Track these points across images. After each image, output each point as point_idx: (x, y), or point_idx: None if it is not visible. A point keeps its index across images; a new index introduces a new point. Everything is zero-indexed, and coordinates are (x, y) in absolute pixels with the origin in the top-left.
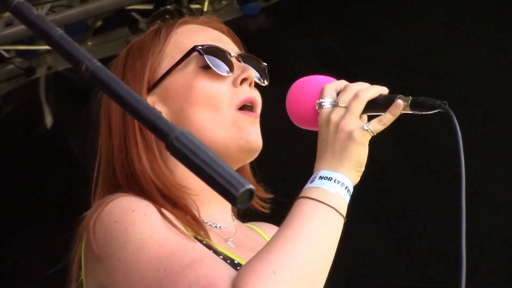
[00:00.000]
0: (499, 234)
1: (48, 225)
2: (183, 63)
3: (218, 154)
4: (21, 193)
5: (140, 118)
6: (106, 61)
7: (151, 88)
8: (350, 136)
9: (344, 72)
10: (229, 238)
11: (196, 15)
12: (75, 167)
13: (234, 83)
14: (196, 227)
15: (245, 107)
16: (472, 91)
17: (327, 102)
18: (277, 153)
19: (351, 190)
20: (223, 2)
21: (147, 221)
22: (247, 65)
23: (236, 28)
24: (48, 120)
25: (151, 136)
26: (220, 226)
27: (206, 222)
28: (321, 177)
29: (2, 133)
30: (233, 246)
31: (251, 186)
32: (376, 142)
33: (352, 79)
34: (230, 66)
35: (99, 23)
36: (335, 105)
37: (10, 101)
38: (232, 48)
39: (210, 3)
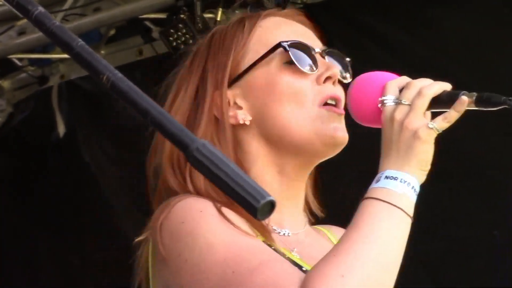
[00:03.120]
0: None
1: (61, 233)
2: (267, 58)
3: (303, 148)
4: (33, 201)
5: (161, 129)
6: (119, 69)
7: (233, 81)
8: (415, 134)
9: None
10: (294, 248)
11: (209, 25)
12: (87, 176)
13: (317, 80)
14: (262, 231)
15: (329, 104)
16: None
17: (390, 99)
18: None
19: (418, 189)
20: (237, 11)
21: (214, 222)
22: (331, 63)
23: None
24: (61, 128)
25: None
26: (288, 233)
27: (275, 229)
28: (387, 177)
29: (14, 141)
30: (298, 257)
31: (272, 198)
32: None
33: None
34: (314, 63)
35: (112, 32)
36: (398, 102)
37: (23, 110)
38: (316, 43)
39: (223, 12)
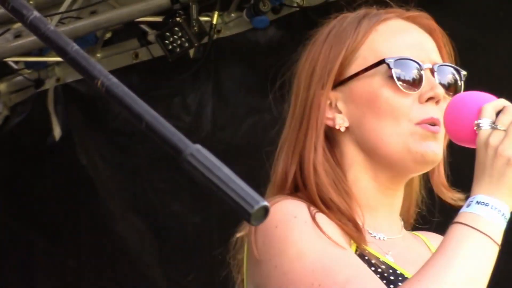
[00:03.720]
0: None
1: (57, 236)
2: (371, 70)
3: (395, 164)
4: (30, 204)
5: (155, 134)
6: (115, 72)
7: (337, 84)
8: (509, 162)
9: None
10: (389, 251)
11: (205, 28)
12: (83, 179)
13: (419, 99)
14: (356, 236)
15: (425, 122)
16: None
17: (485, 123)
18: None
19: (508, 216)
20: (233, 14)
21: (307, 231)
22: (437, 80)
23: (246, 40)
24: (57, 131)
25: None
26: (383, 238)
27: (370, 233)
28: (477, 202)
29: (11, 145)
30: (393, 260)
31: (265, 203)
32: None
33: None
34: (419, 81)
35: (108, 35)
36: (493, 127)
37: (19, 113)
38: (430, 55)
39: (219, 15)
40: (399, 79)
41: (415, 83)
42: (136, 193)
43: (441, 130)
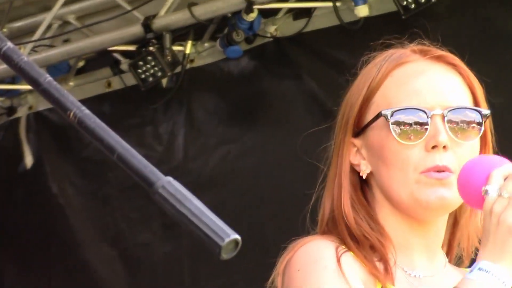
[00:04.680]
0: None
1: (28, 265)
2: (378, 120)
3: (406, 210)
4: (1, 232)
5: (127, 166)
6: (87, 101)
7: (359, 131)
8: (510, 230)
9: (328, 115)
10: None
11: (178, 57)
12: (54, 207)
13: (425, 148)
14: (381, 277)
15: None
16: None
17: (492, 190)
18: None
19: (509, 285)
20: (206, 44)
21: (326, 275)
22: (440, 129)
23: (219, 70)
24: (28, 159)
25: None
26: (420, 275)
27: (405, 271)
28: (479, 268)
29: None
30: None
31: (236, 236)
32: None
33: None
34: (424, 129)
35: (81, 64)
36: (499, 194)
37: None
38: (443, 99)
39: (193, 45)
40: (398, 130)
41: (419, 131)
42: (106, 221)
43: (455, 178)
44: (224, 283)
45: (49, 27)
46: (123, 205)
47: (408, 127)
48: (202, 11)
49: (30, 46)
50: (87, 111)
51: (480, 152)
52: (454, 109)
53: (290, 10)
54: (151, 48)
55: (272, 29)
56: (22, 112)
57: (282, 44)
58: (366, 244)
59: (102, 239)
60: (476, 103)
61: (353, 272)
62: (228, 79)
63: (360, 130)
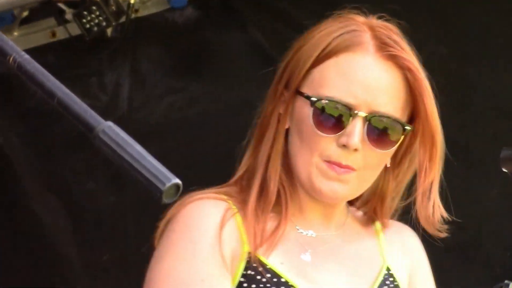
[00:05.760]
0: None
1: None
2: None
3: (304, 186)
4: None
5: (67, 111)
6: (32, 51)
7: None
8: None
9: (272, 65)
10: (309, 249)
11: (123, 7)
12: (1, 157)
13: (337, 143)
14: (255, 245)
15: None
16: None
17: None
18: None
19: None
20: None
21: (195, 250)
22: (356, 132)
23: (163, 20)
24: None
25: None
26: (313, 234)
27: (298, 229)
28: None
29: None
30: (309, 259)
31: (177, 181)
32: None
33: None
34: (342, 126)
35: (25, 14)
36: None
37: None
38: (373, 101)
39: None
40: (318, 119)
41: (337, 126)
42: (51, 172)
43: (355, 176)
44: None
45: None
46: (67, 156)
47: (328, 119)
48: None
49: None
50: (26, 56)
51: (392, 160)
52: (379, 115)
53: None
54: None
55: None
56: None
57: None
58: (272, 200)
59: (47, 190)
60: (411, 113)
61: (226, 243)
62: (173, 29)
63: (293, 90)
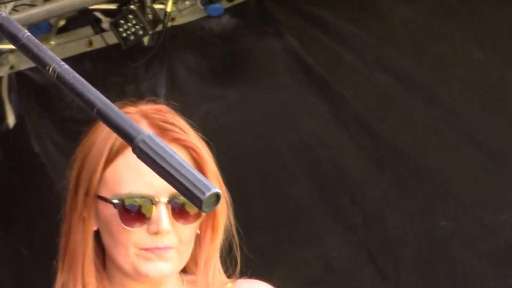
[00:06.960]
0: None
1: (10, 224)
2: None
3: (130, 276)
4: None
5: (107, 121)
6: (69, 60)
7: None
8: None
9: (308, 72)
10: None
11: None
12: (37, 166)
13: (148, 231)
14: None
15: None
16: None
17: None
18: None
19: None
20: (187, 2)
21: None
22: (163, 217)
23: (200, 28)
24: (11, 119)
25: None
26: None
27: None
28: None
29: None
30: None
31: (218, 190)
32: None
33: (316, 81)
34: (148, 216)
35: (62, 23)
36: None
37: None
38: (167, 187)
39: (174, 3)
40: (123, 216)
41: (143, 217)
42: None
43: (175, 252)
44: None
45: None
46: None
47: (133, 214)
48: None
49: (11, 5)
50: (66, 66)
51: (202, 227)
52: (177, 196)
53: None
54: (132, 6)
55: None
56: (3, 72)
57: (264, 1)
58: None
59: None
60: None
61: None
62: (210, 37)
63: (92, 196)
